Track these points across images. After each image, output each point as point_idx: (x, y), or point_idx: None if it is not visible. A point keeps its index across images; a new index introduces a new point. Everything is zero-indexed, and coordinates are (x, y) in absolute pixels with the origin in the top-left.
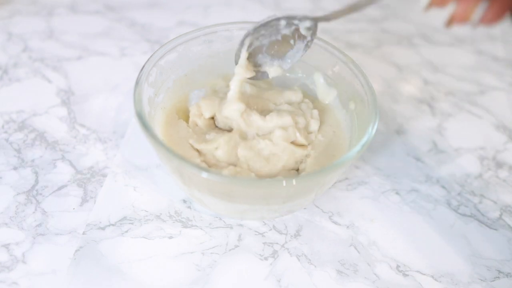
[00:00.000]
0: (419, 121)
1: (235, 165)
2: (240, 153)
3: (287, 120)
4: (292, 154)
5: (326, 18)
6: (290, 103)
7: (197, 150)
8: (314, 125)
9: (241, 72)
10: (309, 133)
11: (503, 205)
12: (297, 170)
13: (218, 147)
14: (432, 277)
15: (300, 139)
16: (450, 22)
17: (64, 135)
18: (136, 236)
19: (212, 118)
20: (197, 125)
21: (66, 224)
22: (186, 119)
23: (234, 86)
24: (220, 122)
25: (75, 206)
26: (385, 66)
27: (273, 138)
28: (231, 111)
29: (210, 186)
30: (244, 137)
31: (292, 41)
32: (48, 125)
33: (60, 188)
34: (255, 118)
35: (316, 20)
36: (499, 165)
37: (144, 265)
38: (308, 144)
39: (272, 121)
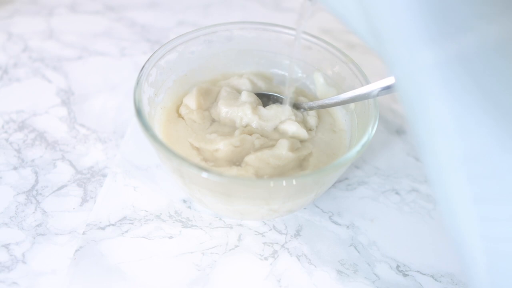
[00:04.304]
0: None
1: (237, 165)
2: (248, 160)
3: (286, 109)
4: (298, 158)
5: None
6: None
7: (197, 148)
8: (312, 121)
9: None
10: (309, 129)
11: None
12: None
13: (218, 150)
14: (432, 277)
15: (302, 132)
16: None
17: (64, 135)
18: (136, 236)
19: (207, 110)
20: (195, 121)
21: (66, 224)
22: None
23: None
24: (218, 114)
25: (75, 206)
26: (385, 66)
27: (279, 149)
28: (245, 102)
29: (210, 186)
30: (247, 140)
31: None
32: (48, 125)
33: (60, 188)
34: (259, 107)
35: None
36: None
37: (144, 265)
38: (308, 141)
39: (272, 109)
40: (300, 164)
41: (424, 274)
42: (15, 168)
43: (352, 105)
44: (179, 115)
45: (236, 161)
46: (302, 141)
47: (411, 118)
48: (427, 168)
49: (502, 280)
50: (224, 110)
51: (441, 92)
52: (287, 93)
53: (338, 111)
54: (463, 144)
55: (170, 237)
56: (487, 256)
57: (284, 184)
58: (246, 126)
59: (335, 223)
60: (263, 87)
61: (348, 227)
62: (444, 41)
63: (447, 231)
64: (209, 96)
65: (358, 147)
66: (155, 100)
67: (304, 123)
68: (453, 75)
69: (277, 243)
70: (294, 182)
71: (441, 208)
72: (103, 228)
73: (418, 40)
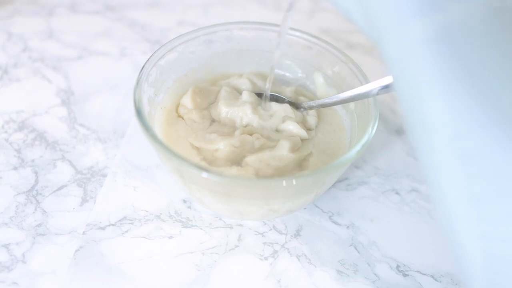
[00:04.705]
0: None
1: (237, 165)
2: (249, 161)
3: (286, 107)
4: (298, 159)
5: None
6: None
7: (197, 148)
8: (312, 121)
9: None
10: (309, 129)
11: None
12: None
13: (218, 150)
14: (432, 277)
15: (302, 132)
16: None
17: (64, 135)
18: (136, 236)
19: (206, 109)
20: (195, 121)
21: (66, 224)
22: None
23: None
24: (218, 114)
25: (75, 206)
26: (385, 66)
27: (280, 150)
28: (245, 102)
29: (210, 186)
30: (247, 140)
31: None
32: (48, 125)
33: (60, 188)
34: (259, 107)
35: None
36: None
37: (144, 265)
38: (308, 141)
39: (272, 108)
40: (300, 164)
41: (424, 274)
42: (15, 168)
43: (352, 105)
44: (179, 115)
45: (236, 161)
46: (302, 140)
47: (407, 113)
48: (424, 168)
49: (499, 281)
50: (224, 110)
51: (439, 91)
52: (268, 86)
53: (338, 111)
54: (460, 143)
55: (170, 237)
56: (484, 257)
57: (284, 184)
58: (246, 126)
59: (335, 223)
60: (263, 87)
61: (348, 227)
62: (435, 12)
63: (444, 232)
64: (207, 95)
65: (358, 147)
66: (155, 100)
67: (304, 123)
68: (444, 55)
69: (277, 243)
70: (294, 182)
71: (437, 209)
72: (103, 228)
73: (408, 11)
